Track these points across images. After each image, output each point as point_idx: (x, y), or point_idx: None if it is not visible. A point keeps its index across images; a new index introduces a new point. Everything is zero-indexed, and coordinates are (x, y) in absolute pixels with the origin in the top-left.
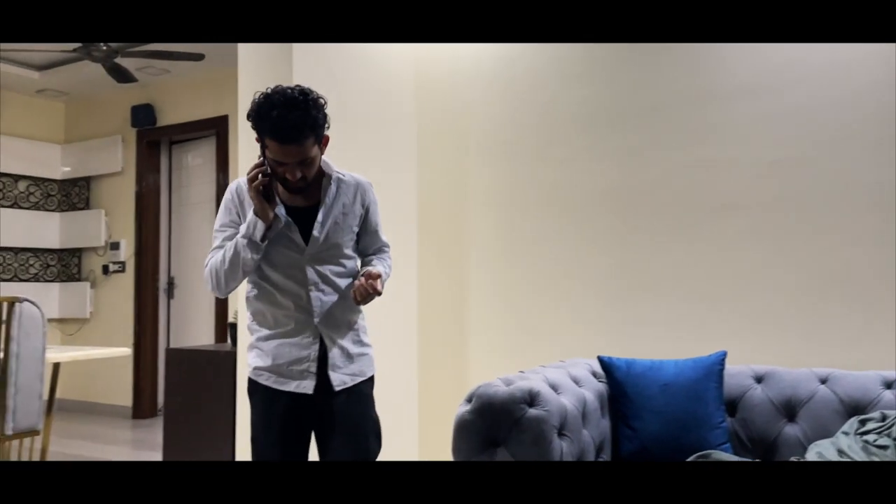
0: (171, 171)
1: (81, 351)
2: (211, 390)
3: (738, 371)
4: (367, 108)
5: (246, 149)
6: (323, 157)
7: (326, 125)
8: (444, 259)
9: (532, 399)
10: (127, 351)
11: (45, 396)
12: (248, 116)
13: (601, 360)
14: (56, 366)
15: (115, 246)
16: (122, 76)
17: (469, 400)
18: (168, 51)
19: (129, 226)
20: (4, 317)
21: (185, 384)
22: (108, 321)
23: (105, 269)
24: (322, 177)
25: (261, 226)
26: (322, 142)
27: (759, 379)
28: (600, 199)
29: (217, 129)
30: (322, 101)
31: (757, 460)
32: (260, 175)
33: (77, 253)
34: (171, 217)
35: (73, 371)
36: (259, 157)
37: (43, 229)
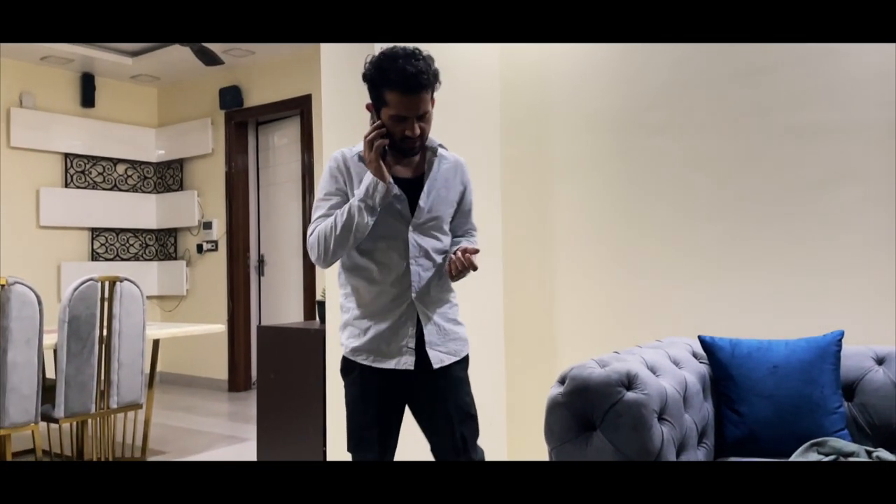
0: (259, 152)
1: (179, 328)
2: (301, 367)
3: (856, 352)
4: (448, 86)
5: (329, 127)
6: None
7: (438, 83)
8: (530, 238)
9: (630, 381)
10: (221, 328)
11: (147, 371)
12: (365, 76)
13: (702, 340)
14: (156, 342)
15: (207, 225)
16: (210, 59)
17: (562, 381)
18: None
19: (220, 206)
20: (107, 295)
21: (276, 361)
22: (204, 298)
23: (199, 248)
24: (425, 150)
25: (381, 188)
26: (433, 102)
27: (880, 360)
28: (699, 168)
29: (301, 109)
30: (426, 54)
31: (768, 460)
32: (379, 136)
33: (173, 233)
34: (260, 196)
35: (172, 346)
36: (373, 121)
37: (141, 210)
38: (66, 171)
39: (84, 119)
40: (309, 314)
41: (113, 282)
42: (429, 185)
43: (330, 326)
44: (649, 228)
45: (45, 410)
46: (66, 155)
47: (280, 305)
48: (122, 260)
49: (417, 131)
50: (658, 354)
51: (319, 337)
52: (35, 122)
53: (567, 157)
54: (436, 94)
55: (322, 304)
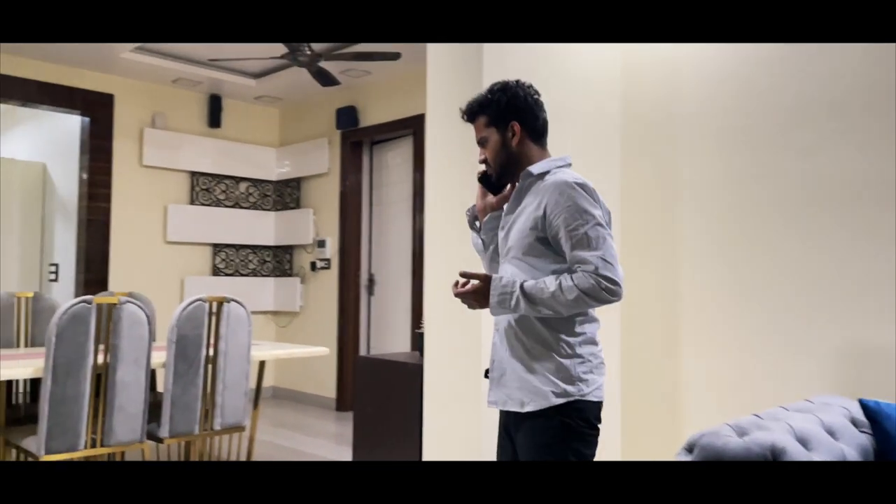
0: (373, 171)
1: (284, 349)
2: (399, 402)
3: None
4: (566, 102)
5: (434, 146)
6: (519, 155)
7: (507, 109)
8: (651, 265)
9: (775, 457)
10: (326, 351)
11: (253, 388)
12: None
13: (864, 405)
14: (262, 363)
15: (321, 244)
16: (326, 79)
17: (689, 449)
18: (367, 52)
19: (334, 224)
20: (214, 316)
21: (374, 394)
22: (316, 315)
23: (313, 266)
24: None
25: (468, 218)
26: (503, 127)
27: None
28: (859, 192)
29: (413, 129)
30: (512, 86)
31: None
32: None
33: (289, 250)
34: (372, 215)
35: (286, 362)
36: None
37: (260, 227)
38: (193, 188)
39: (210, 139)
40: (417, 340)
41: (220, 302)
42: (504, 214)
43: (428, 360)
44: (793, 264)
45: (151, 429)
46: (193, 173)
47: (388, 326)
48: (241, 275)
49: (481, 157)
50: (809, 421)
51: (418, 372)
52: (166, 142)
53: (695, 178)
54: (516, 122)
55: (422, 337)
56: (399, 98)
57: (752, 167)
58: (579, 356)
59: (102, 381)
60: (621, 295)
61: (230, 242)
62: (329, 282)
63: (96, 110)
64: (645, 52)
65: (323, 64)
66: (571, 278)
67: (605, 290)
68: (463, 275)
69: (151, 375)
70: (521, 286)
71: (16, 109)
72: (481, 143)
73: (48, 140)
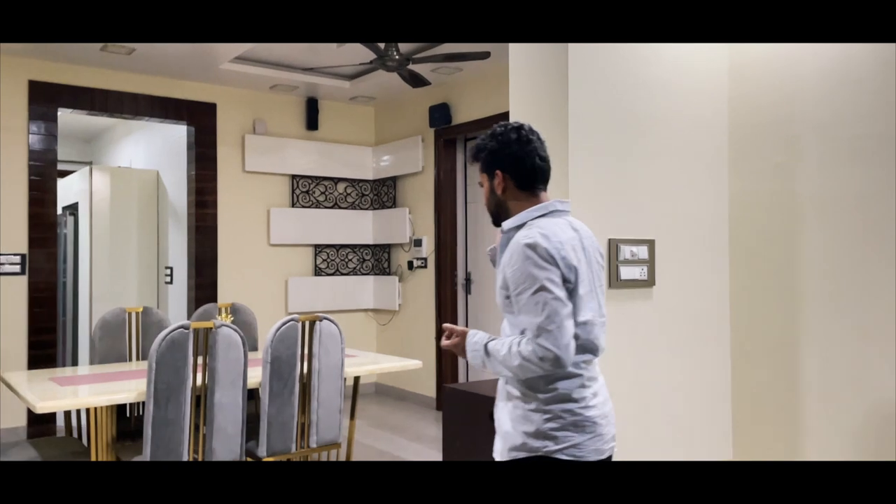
0: (467, 168)
1: (377, 365)
2: (487, 438)
3: None
4: (666, 106)
5: None
6: (504, 201)
7: (494, 157)
8: (765, 298)
9: None
10: (418, 364)
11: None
12: None
13: None
14: (356, 379)
15: (417, 243)
16: (416, 80)
17: None
18: (456, 52)
19: (429, 223)
20: (307, 335)
21: (462, 427)
22: (415, 314)
23: (410, 265)
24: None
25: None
26: (491, 174)
27: None
28: None
29: None
30: (500, 134)
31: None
32: None
33: (387, 248)
34: (468, 213)
35: (388, 353)
36: None
37: (359, 227)
38: (293, 191)
39: (309, 141)
40: None
41: (312, 321)
42: (495, 266)
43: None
44: None
45: (250, 448)
46: (293, 176)
47: (487, 325)
48: (342, 274)
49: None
50: None
51: None
52: (266, 147)
53: (818, 194)
54: (498, 172)
55: None
56: (491, 94)
57: (890, 180)
58: (548, 412)
59: (202, 403)
60: (564, 363)
61: (330, 242)
62: (426, 280)
63: (200, 119)
64: (755, 53)
65: (413, 65)
66: (519, 343)
67: (542, 359)
68: (445, 328)
69: (250, 394)
70: (486, 346)
71: (129, 120)
72: (481, 185)
73: (160, 149)
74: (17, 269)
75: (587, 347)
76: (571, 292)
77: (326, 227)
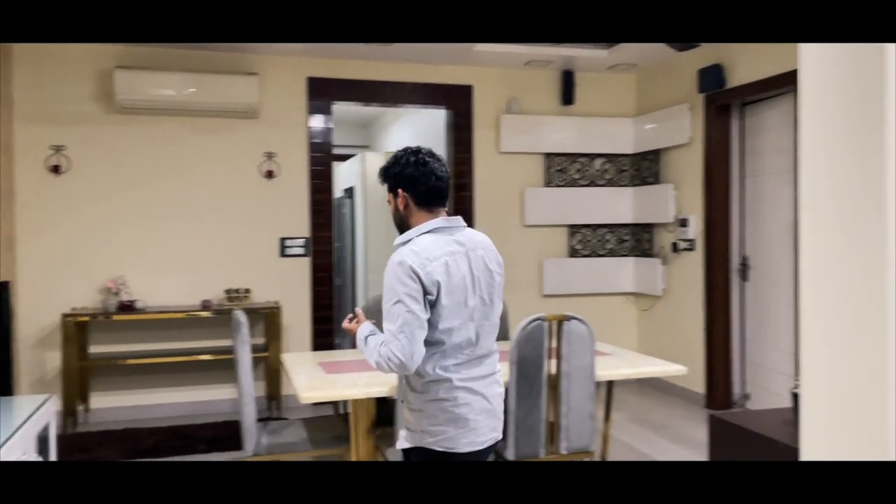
0: (744, 137)
1: (633, 369)
2: None
3: None
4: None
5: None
6: (406, 217)
7: (396, 179)
8: None
9: None
10: (683, 370)
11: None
12: None
13: None
14: (610, 384)
15: (683, 222)
16: (682, 44)
17: None
18: None
19: (697, 200)
20: (555, 334)
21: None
22: (679, 301)
23: (674, 247)
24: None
25: None
26: (395, 194)
27: None
28: None
29: (794, 85)
30: (401, 157)
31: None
32: None
33: (648, 228)
34: (744, 189)
35: (651, 345)
36: None
37: (617, 205)
38: (548, 170)
39: (564, 117)
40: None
41: (560, 321)
42: None
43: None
44: None
45: (499, 449)
46: (548, 155)
47: (768, 317)
48: (599, 256)
49: None
50: None
51: (792, 455)
52: (521, 126)
53: None
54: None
55: (796, 399)
56: (774, 50)
57: None
58: (422, 411)
59: None
60: (408, 368)
61: (586, 222)
62: (693, 264)
63: (457, 102)
64: None
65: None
66: (381, 344)
67: (390, 360)
68: (356, 312)
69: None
70: (366, 338)
71: (397, 108)
72: (389, 203)
73: (423, 133)
74: (302, 251)
75: (457, 350)
76: (434, 304)
77: (582, 207)
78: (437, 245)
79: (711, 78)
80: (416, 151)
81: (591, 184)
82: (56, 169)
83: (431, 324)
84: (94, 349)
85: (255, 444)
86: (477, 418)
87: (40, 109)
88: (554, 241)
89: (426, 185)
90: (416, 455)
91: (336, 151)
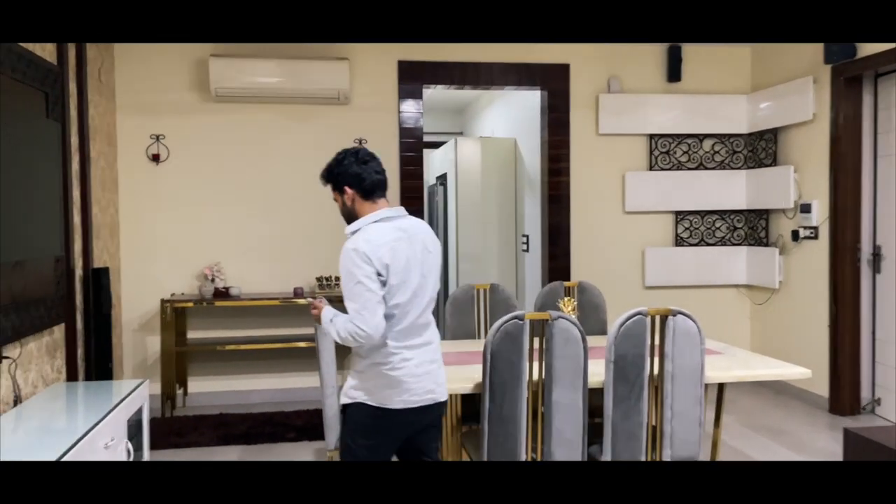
0: (876, 114)
1: (748, 371)
2: None
3: None
4: None
5: None
6: (354, 210)
7: (340, 178)
8: None
9: None
10: (807, 373)
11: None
12: None
13: None
14: (720, 387)
15: (805, 208)
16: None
17: None
18: None
19: (822, 184)
20: (657, 331)
21: None
22: (800, 294)
23: (794, 235)
24: None
25: None
26: (340, 191)
27: None
28: None
29: None
30: (342, 158)
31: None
32: None
33: (764, 215)
34: (877, 171)
35: (766, 339)
36: None
37: (728, 190)
38: (651, 152)
39: (670, 95)
40: None
41: (664, 316)
42: None
43: None
44: None
45: (592, 453)
46: (651, 136)
47: None
48: (707, 244)
49: None
50: None
51: None
52: (621, 107)
53: None
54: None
55: None
56: None
57: None
58: (363, 373)
59: (539, 401)
60: (373, 338)
61: (694, 209)
62: (816, 254)
63: (553, 83)
64: None
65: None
66: (345, 321)
67: (356, 334)
68: (312, 302)
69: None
70: (332, 319)
71: (490, 90)
72: (335, 201)
73: (517, 116)
74: None
75: (401, 321)
76: (385, 283)
77: (689, 191)
78: (383, 232)
79: (840, 46)
80: (356, 152)
81: (700, 166)
82: (156, 158)
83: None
84: (192, 335)
85: (336, 436)
86: (409, 380)
87: (141, 100)
88: (657, 228)
89: (369, 180)
90: (353, 409)
91: (430, 139)
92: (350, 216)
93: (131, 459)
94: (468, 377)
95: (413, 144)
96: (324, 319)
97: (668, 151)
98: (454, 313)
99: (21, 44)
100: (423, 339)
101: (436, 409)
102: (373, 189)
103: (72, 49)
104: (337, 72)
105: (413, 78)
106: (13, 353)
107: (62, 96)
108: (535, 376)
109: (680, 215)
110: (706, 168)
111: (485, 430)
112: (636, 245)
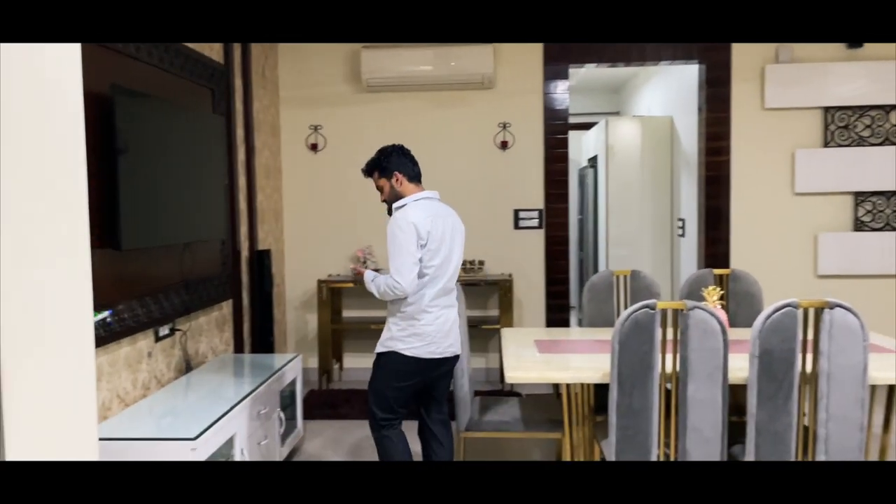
0: None
1: None
2: None
3: None
4: None
5: None
6: (400, 191)
7: (390, 165)
8: None
9: None
10: None
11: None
12: None
13: None
14: (891, 388)
15: None
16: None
17: None
18: None
19: None
20: (811, 326)
21: None
22: None
23: None
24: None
25: None
26: (390, 177)
27: None
28: None
29: None
30: (391, 150)
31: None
32: None
33: None
34: None
35: None
36: None
37: None
38: (827, 127)
39: (850, 63)
40: None
41: (819, 309)
42: None
43: None
44: None
45: (734, 453)
46: (827, 109)
47: None
48: (893, 229)
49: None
50: None
51: None
52: (792, 78)
53: None
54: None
55: None
56: None
57: None
58: (398, 325)
59: (672, 396)
60: (405, 291)
61: (879, 189)
62: None
63: (712, 55)
64: None
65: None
66: (386, 278)
67: (390, 287)
68: (355, 269)
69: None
70: (373, 279)
71: (644, 66)
72: (379, 189)
73: (675, 93)
74: (536, 223)
75: (433, 283)
76: (424, 247)
77: (873, 170)
78: (425, 206)
79: None
80: (400, 147)
81: (886, 141)
82: (314, 147)
83: (420, 261)
84: (347, 313)
85: (468, 418)
86: (435, 335)
87: (300, 94)
88: (833, 211)
89: (413, 167)
90: (389, 357)
91: (584, 120)
92: (396, 197)
93: (283, 428)
94: (597, 367)
95: (558, 126)
96: (366, 279)
97: (847, 126)
98: (592, 300)
99: (189, 44)
100: (449, 300)
101: (453, 361)
102: (417, 174)
103: (237, 48)
104: (482, 56)
105: (559, 58)
106: (184, 326)
107: (227, 92)
108: (668, 369)
109: (861, 197)
110: (893, 143)
111: (613, 422)
112: (807, 230)
